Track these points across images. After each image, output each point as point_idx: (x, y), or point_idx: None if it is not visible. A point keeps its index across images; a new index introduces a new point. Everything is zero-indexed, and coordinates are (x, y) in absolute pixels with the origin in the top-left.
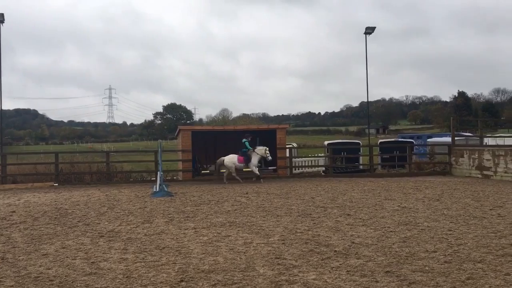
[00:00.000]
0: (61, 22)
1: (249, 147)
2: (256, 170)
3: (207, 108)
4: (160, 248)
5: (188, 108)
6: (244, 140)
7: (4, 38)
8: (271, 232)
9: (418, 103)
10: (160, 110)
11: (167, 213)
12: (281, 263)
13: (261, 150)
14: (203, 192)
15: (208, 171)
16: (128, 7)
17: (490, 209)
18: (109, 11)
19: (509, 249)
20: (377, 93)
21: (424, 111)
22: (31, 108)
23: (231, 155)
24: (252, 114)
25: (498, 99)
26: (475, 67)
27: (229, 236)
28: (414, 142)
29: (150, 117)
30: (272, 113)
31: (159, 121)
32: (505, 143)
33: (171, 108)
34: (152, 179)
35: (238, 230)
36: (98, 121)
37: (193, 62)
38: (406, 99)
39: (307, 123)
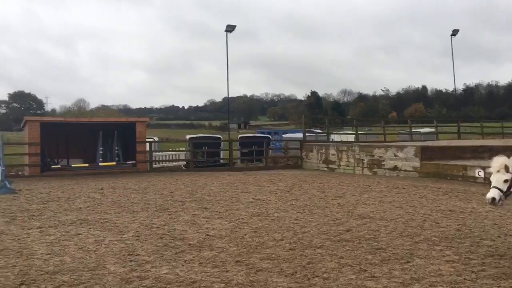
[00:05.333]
0: None
1: None
2: None
3: (59, 98)
4: None
5: (39, 98)
6: None
7: None
8: (126, 228)
9: (276, 100)
10: (5, 98)
11: (8, 212)
12: (133, 259)
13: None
14: (52, 188)
15: (59, 166)
16: None
17: (332, 199)
18: None
19: (344, 235)
20: (236, 90)
21: (281, 108)
22: None
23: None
24: (112, 106)
25: (345, 99)
26: (309, 69)
27: (79, 234)
28: (271, 138)
29: None
30: (133, 105)
31: (4, 111)
32: (348, 140)
33: (18, 97)
34: None
35: (90, 228)
36: None
37: (23, 49)
38: (266, 96)
39: (171, 117)
